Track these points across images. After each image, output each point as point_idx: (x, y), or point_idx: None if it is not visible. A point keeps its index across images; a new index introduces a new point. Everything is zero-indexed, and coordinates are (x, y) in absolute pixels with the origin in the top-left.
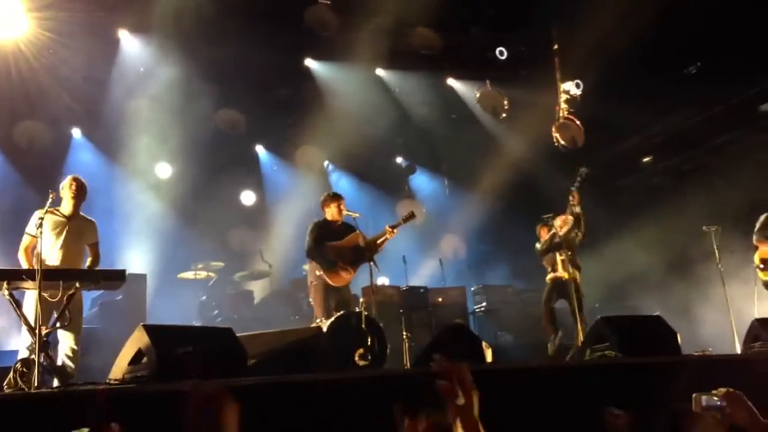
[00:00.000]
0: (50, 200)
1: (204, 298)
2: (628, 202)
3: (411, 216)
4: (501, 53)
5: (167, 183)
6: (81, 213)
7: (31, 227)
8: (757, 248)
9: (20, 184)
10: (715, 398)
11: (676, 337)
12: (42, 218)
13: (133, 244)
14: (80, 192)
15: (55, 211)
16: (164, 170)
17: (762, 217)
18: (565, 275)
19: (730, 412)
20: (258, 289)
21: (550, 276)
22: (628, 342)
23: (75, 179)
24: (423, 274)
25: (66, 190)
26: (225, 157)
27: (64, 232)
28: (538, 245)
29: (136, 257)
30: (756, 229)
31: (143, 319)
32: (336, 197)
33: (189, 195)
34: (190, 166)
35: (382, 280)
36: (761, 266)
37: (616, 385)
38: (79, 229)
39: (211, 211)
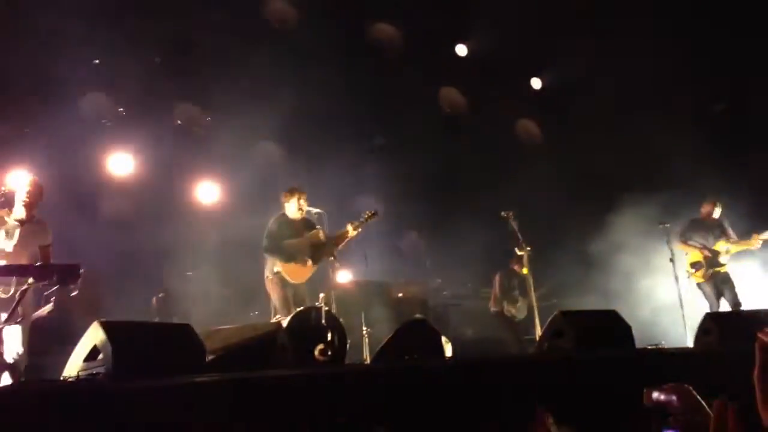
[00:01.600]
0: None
1: (161, 295)
2: None
3: (373, 215)
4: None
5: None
6: (35, 215)
7: None
8: (686, 253)
9: None
10: (664, 392)
11: (631, 331)
12: None
13: (90, 238)
14: (36, 196)
15: (6, 213)
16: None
17: (687, 221)
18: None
19: (679, 405)
20: (216, 286)
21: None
22: (584, 336)
23: (31, 183)
24: (384, 269)
25: (20, 192)
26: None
27: (16, 236)
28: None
29: (92, 252)
30: (680, 231)
31: (97, 317)
32: (296, 191)
33: (146, 188)
34: (147, 158)
35: (344, 275)
36: (692, 270)
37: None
38: (31, 232)
39: (168, 204)
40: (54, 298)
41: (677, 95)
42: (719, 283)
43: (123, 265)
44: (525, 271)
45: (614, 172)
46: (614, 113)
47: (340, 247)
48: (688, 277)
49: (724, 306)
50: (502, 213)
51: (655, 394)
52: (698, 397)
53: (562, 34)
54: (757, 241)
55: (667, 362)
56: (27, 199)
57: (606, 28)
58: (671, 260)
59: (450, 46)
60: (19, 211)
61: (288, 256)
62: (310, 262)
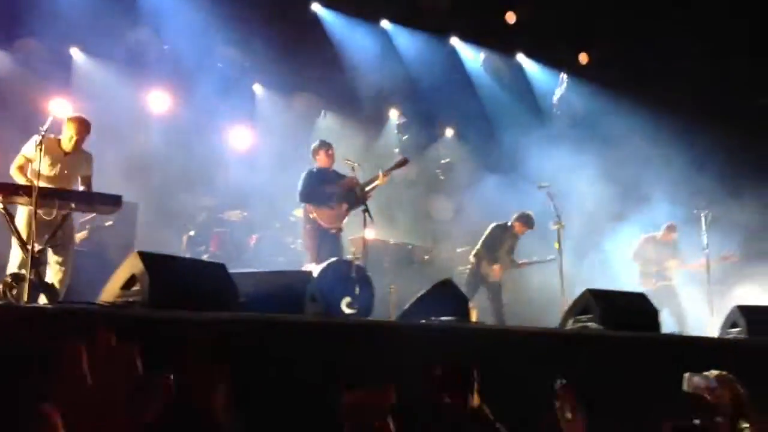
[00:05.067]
0: (48, 124)
1: (192, 233)
2: None
3: (403, 162)
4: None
5: (165, 114)
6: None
7: (28, 149)
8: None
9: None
10: (707, 379)
11: (657, 316)
12: (41, 143)
13: (128, 172)
14: (83, 134)
15: (55, 142)
16: (161, 101)
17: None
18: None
19: (720, 393)
20: (243, 230)
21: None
22: (610, 316)
23: (81, 122)
24: (410, 231)
25: (70, 128)
26: (221, 93)
27: (59, 165)
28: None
29: (129, 185)
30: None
31: (131, 247)
32: (325, 144)
33: (185, 129)
34: (188, 100)
35: (370, 233)
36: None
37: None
38: (74, 163)
39: (204, 146)
40: (89, 226)
41: None
42: (663, 297)
43: (156, 202)
44: (557, 246)
45: None
46: None
47: (371, 195)
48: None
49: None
50: (540, 183)
51: (697, 379)
52: (741, 388)
53: None
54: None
55: (692, 351)
56: (75, 137)
57: None
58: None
59: None
60: (66, 144)
61: (321, 201)
62: (345, 206)
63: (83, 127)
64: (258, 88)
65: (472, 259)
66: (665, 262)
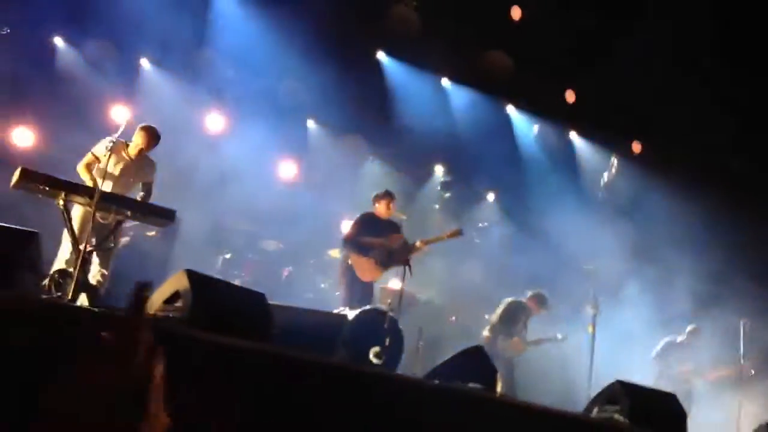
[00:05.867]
0: (122, 129)
1: (228, 255)
2: None
3: (457, 233)
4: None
5: (218, 135)
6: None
7: (98, 149)
8: None
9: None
10: None
11: (686, 420)
12: (111, 146)
13: (175, 186)
14: (151, 143)
15: (124, 146)
16: (216, 122)
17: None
18: None
19: None
20: (278, 261)
21: None
22: (639, 411)
23: (152, 133)
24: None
25: (139, 136)
26: (276, 123)
27: (123, 168)
28: None
29: (174, 198)
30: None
31: (168, 260)
32: (389, 195)
33: (235, 152)
34: (243, 124)
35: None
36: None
37: None
38: (138, 169)
39: (251, 172)
40: (132, 232)
41: None
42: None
43: (199, 219)
44: (590, 329)
45: None
46: None
47: (411, 258)
48: None
49: None
50: (586, 266)
51: None
52: None
53: None
54: None
55: None
56: (142, 146)
57: None
58: None
59: None
60: (133, 150)
61: (362, 251)
62: (380, 267)
63: (153, 138)
64: (311, 123)
65: (486, 333)
66: (684, 365)
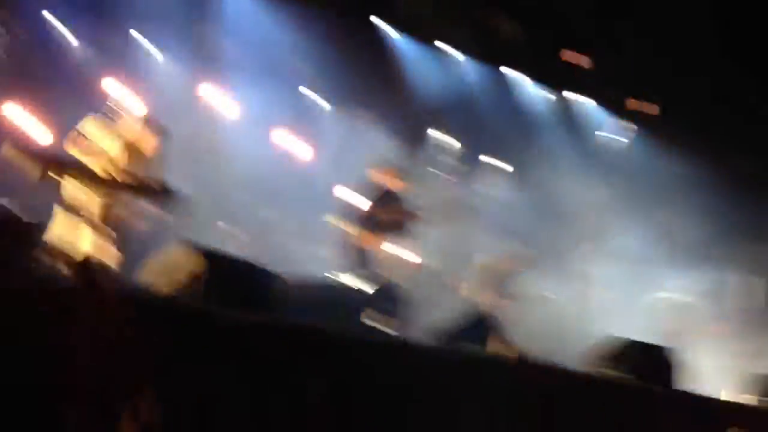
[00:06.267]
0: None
1: (227, 225)
2: None
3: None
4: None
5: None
6: None
7: (90, 123)
8: None
9: None
10: None
11: (683, 371)
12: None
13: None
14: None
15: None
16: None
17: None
18: None
19: None
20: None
21: None
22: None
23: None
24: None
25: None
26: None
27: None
28: None
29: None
30: None
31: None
32: (389, 164)
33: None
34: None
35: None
36: None
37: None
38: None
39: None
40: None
41: None
42: None
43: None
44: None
45: None
46: None
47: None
48: None
49: None
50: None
51: None
52: None
53: None
54: None
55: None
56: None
57: None
58: None
59: None
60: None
61: (367, 225)
62: (381, 234)
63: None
64: (308, 91)
65: (467, 290)
66: (674, 322)
